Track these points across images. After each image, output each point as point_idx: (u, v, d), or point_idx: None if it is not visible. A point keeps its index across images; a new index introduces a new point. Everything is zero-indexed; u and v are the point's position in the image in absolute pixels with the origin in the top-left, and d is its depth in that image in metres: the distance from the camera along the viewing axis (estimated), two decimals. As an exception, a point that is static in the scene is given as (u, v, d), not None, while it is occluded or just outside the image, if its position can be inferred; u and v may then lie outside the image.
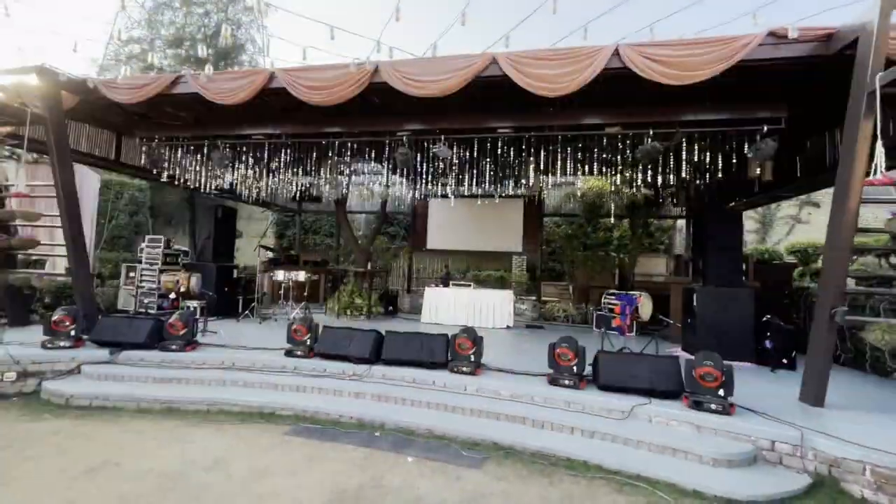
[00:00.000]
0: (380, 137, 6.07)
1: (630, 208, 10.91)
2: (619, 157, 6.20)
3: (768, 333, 6.26)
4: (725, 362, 3.94)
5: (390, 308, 10.49)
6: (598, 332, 5.24)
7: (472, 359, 4.91)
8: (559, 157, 5.89)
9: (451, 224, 12.94)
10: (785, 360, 6.12)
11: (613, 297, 5.40)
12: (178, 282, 6.58)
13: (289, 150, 6.74)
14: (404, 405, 4.62)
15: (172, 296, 6.72)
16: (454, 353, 4.99)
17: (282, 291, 9.07)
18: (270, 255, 12.30)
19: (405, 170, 7.51)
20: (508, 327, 9.01)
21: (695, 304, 6.54)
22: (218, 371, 5.20)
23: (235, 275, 9.36)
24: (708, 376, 3.88)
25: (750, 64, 4.32)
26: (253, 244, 19.16)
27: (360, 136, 6.18)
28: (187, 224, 16.79)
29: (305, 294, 9.04)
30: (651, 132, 5.09)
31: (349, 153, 6.74)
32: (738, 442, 3.59)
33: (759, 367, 6.12)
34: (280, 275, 8.51)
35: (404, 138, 5.77)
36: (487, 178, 7.27)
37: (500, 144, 5.86)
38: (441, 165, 7.19)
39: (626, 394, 4.29)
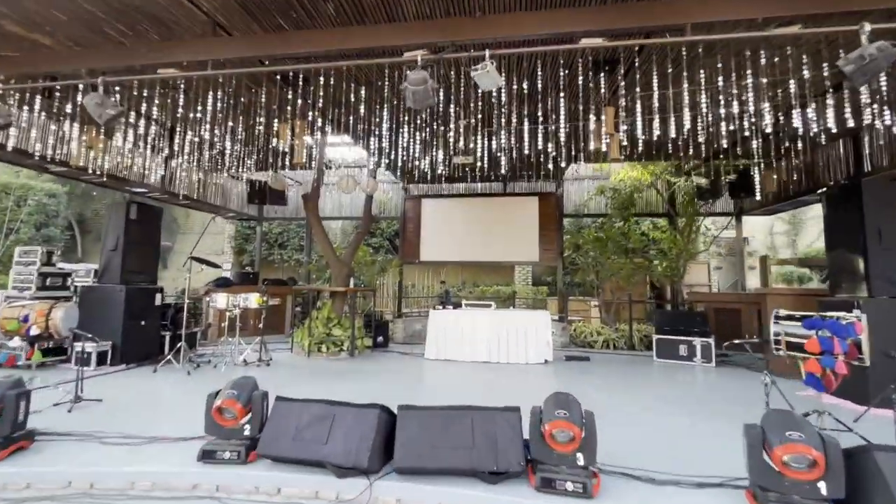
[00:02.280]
0: (376, 59, 3.60)
1: (684, 202, 8.83)
2: (792, 78, 3.79)
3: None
4: None
5: (380, 339, 7.89)
6: (762, 382, 2.90)
7: (581, 461, 2.42)
8: (684, 86, 3.54)
9: (449, 230, 10.49)
10: None
11: (798, 323, 3.09)
12: (25, 318, 3.84)
13: (221, 95, 4.17)
14: (455, 590, 2.07)
15: (16, 342, 3.96)
16: (541, 448, 2.49)
17: (225, 324, 6.34)
18: (224, 273, 9.55)
19: (422, 115, 4.92)
20: (546, 362, 6.59)
21: (857, 325, 4.31)
22: (50, 509, 2.51)
23: (160, 301, 6.57)
24: None
25: None
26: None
27: (339, 60, 3.69)
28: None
29: (261, 325, 6.35)
30: (868, 28, 2.86)
31: (321, 98, 4.24)
32: None
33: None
34: (221, 300, 5.81)
35: (419, 58, 3.34)
36: (561, 133, 4.75)
37: (580, 68, 3.52)
38: (477, 111, 4.66)
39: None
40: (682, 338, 6.97)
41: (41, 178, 13.38)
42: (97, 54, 3.95)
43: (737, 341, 3.48)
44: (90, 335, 3.93)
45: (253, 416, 2.84)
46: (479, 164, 6.36)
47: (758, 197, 7.93)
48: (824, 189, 5.92)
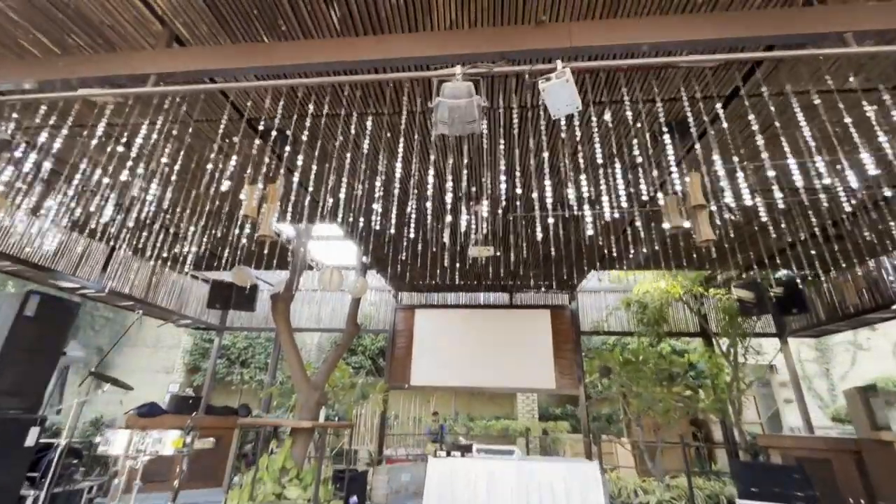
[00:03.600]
0: (392, 75, 2.51)
1: (725, 320, 7.56)
2: None
3: None
4: None
5: (354, 500, 5.57)
6: None
7: None
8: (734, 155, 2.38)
9: (447, 348, 8.82)
10: None
11: None
12: None
13: (167, 134, 2.94)
14: None
15: None
16: None
17: (122, 478, 4.17)
18: (168, 394, 7.35)
19: (455, 143, 3.61)
20: (601, 546, 4.42)
21: None
22: None
23: (34, 439, 4.45)
24: None
25: None
26: (156, 385, 13.50)
27: (331, 77, 2.58)
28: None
29: (177, 481, 4.20)
30: None
31: (305, 135, 3.04)
32: None
33: None
34: (118, 442, 3.82)
35: (458, 72, 2.27)
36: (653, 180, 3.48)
37: (686, 99, 2.46)
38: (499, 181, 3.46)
39: None
40: (780, 505, 4.99)
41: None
42: (-7, 67, 2.82)
43: None
44: None
45: None
46: (498, 253, 5.10)
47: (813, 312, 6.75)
48: None
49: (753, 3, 2.40)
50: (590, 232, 2.80)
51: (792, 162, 2.55)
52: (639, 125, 3.07)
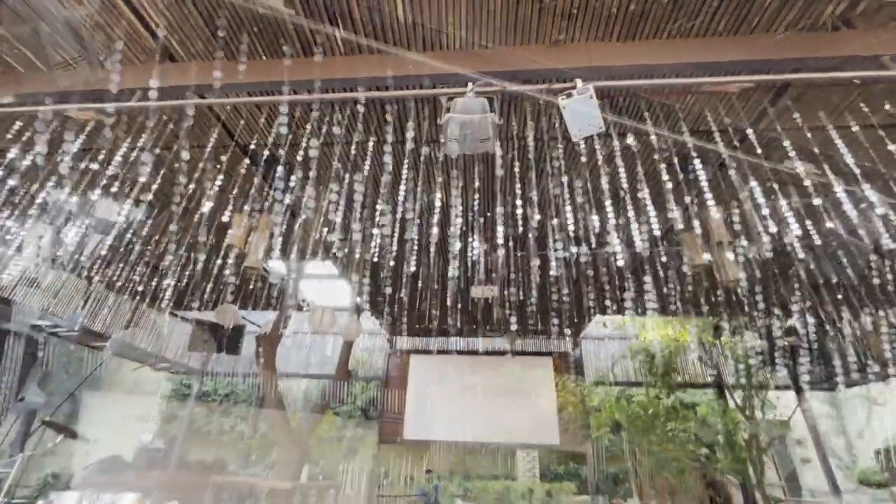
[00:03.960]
0: (396, 92, 2.31)
1: (740, 370, 7.13)
2: None
3: None
4: None
5: (336, 577, 4.86)
6: None
7: None
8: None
9: (444, 397, 8.27)
10: None
11: None
12: None
13: (151, 157, 2.72)
14: None
15: None
16: None
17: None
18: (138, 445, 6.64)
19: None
20: None
21: None
22: None
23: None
24: None
25: None
26: (129, 435, 12.52)
27: (331, 95, 2.37)
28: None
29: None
30: None
31: (299, 161, 2.82)
32: None
33: None
34: (63, 505, 3.28)
35: (470, 88, 2.10)
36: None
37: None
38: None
39: None
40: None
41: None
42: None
43: None
44: None
45: None
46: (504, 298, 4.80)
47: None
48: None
49: (778, 28, 2.29)
50: (620, 262, 2.54)
51: (820, 200, 2.36)
52: (656, 156, 2.89)
